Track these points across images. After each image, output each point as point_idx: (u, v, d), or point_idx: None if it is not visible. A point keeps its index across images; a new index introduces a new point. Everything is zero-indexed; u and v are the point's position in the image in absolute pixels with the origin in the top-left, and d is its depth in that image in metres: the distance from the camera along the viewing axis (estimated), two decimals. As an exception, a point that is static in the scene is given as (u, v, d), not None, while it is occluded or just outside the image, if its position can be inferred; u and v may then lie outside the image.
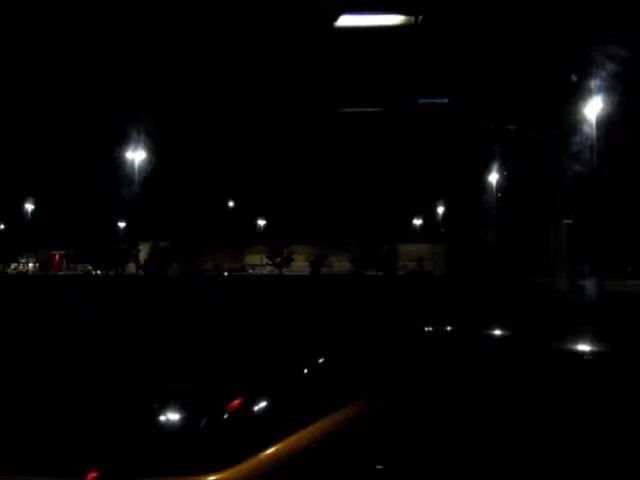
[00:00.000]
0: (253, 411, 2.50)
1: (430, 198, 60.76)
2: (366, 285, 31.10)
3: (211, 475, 1.89)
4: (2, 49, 34.66)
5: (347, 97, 30.30)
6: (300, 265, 58.59)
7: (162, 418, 2.76)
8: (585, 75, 25.37)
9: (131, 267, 55.70)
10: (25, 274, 55.16)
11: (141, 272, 52.23)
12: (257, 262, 62.74)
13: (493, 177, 43.84)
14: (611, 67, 23.22)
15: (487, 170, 43.90)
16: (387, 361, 2.54)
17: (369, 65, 27.96)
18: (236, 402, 2.54)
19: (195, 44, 42.80)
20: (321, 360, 2.82)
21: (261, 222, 67.76)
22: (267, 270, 59.86)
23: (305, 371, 2.80)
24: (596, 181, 26.16)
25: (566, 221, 28.06)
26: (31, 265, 61.92)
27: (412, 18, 24.77)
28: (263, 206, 62.72)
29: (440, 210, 63.48)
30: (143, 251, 55.89)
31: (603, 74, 24.05)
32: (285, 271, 57.97)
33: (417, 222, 67.14)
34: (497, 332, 2.93)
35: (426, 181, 53.99)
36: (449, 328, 3.04)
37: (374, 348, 2.84)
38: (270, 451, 1.94)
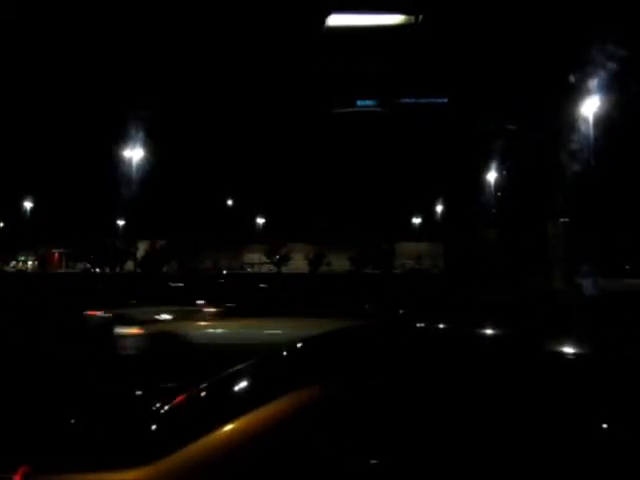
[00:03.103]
0: (188, 406, 2.49)
1: (430, 196, 60.89)
2: (359, 283, 30.88)
3: (133, 470, 1.90)
4: (0, 48, 34.69)
5: (347, 96, 30.35)
6: (299, 264, 58.68)
7: (101, 413, 2.77)
8: (583, 74, 25.40)
9: (130, 265, 55.75)
10: (24, 272, 55.13)
11: (139, 270, 52.26)
12: (256, 260, 62.79)
13: (491, 175, 43.89)
14: (608, 66, 23.26)
15: (485, 169, 43.97)
16: (348, 352, 2.51)
17: (367, 65, 28.01)
18: (180, 398, 2.54)
19: (193, 43, 42.81)
20: (275, 354, 2.79)
21: (260, 220, 67.83)
22: (266, 268, 59.89)
23: (253, 365, 2.76)
24: (593, 179, 26.21)
25: (562, 219, 28.00)
26: (30, 263, 61.93)
27: (412, 18, 24.81)
28: (262, 204, 62.79)
29: (439, 208, 63.62)
30: (142, 249, 55.97)
31: (601, 73, 24.09)
32: (284, 269, 58.02)
33: (417, 220, 67.29)
34: (476, 328, 2.91)
35: (425, 180, 54.06)
36: (421, 323, 3.00)
37: (332, 340, 2.81)
38: (198, 445, 1.92)
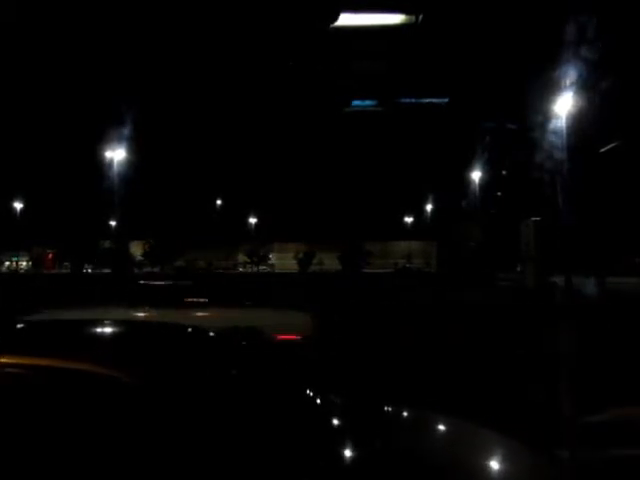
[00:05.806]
0: None
1: (421, 195, 61.19)
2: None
3: None
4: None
5: (342, 96, 30.34)
6: (291, 263, 58.77)
7: None
8: (564, 72, 25.31)
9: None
10: (17, 272, 54.68)
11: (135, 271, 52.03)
12: (248, 260, 62.80)
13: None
14: (586, 65, 23.16)
15: (483, 168, 44.12)
16: None
17: (368, 64, 28.01)
18: None
19: (188, 40, 42.60)
20: None
21: (255, 220, 67.89)
22: (260, 268, 59.94)
23: None
24: (586, 178, 26.26)
25: (534, 218, 28.08)
26: (24, 264, 61.44)
27: (412, 17, 24.85)
28: (257, 205, 62.78)
29: (430, 207, 63.95)
30: (136, 250, 55.85)
31: (580, 71, 23.97)
32: (277, 269, 58.02)
33: (409, 220, 67.61)
34: None
35: (417, 178, 54.30)
36: None
37: None
38: None
